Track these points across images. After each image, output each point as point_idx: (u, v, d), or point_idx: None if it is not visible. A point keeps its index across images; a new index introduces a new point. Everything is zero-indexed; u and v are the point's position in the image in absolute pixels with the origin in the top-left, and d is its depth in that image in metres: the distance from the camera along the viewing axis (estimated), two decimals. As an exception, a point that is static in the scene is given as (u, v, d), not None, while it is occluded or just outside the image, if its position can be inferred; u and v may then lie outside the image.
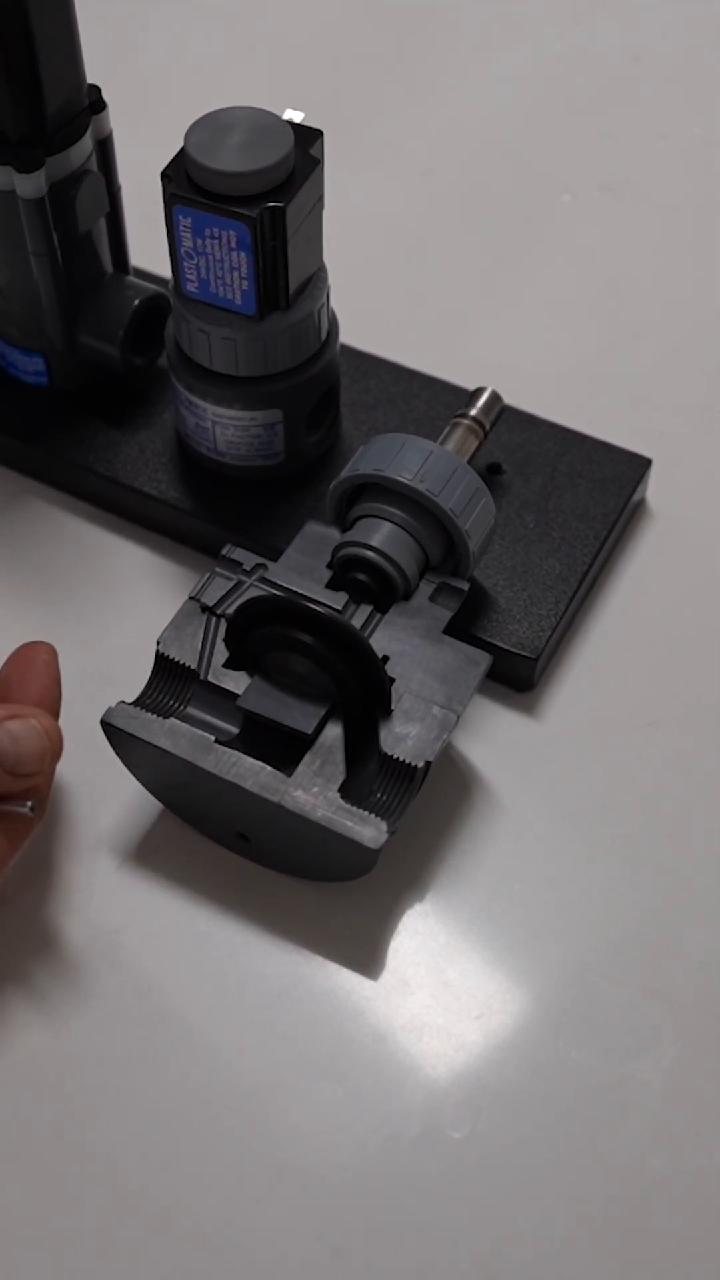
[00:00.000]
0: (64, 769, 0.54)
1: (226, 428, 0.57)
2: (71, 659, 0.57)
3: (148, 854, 0.53)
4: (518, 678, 0.56)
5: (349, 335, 0.61)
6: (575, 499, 0.59)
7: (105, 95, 0.57)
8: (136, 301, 0.59)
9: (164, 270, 0.64)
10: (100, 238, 0.59)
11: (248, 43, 0.80)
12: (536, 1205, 0.47)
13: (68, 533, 0.61)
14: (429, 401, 0.61)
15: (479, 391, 0.58)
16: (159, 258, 0.63)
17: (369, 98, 0.77)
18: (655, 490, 0.61)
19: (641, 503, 0.61)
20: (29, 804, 0.48)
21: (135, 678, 0.53)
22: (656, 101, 0.77)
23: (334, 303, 0.57)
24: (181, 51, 0.80)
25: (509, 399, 0.59)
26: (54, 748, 0.49)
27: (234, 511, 0.59)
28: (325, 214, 0.54)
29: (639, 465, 0.60)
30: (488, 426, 0.57)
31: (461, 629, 0.55)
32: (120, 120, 0.59)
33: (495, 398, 0.58)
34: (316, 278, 0.55)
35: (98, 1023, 0.50)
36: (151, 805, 0.54)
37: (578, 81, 0.78)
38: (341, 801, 0.49)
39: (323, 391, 0.57)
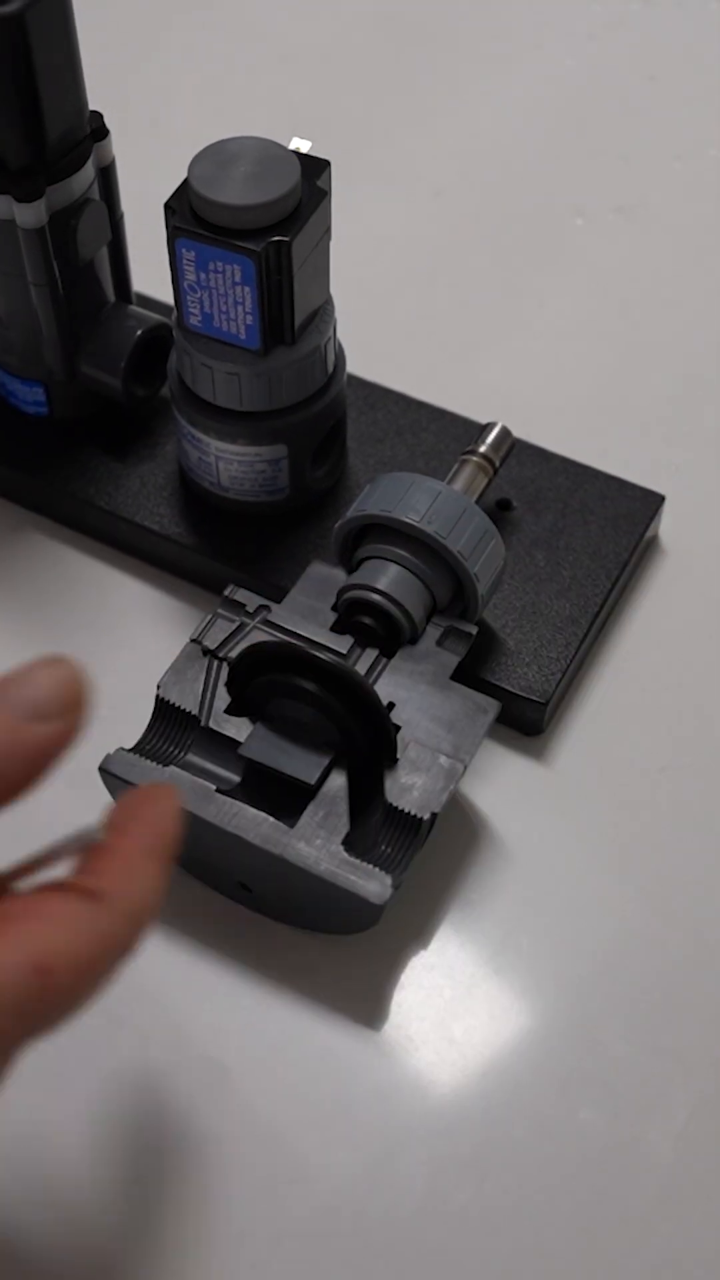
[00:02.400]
0: (60, 815, 0.53)
1: (230, 463, 0.56)
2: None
3: (146, 903, 0.52)
4: (526, 722, 0.55)
5: (355, 364, 0.59)
6: (587, 536, 0.57)
7: (107, 121, 0.55)
8: (139, 332, 0.58)
9: (165, 295, 0.63)
10: (102, 267, 0.58)
11: (253, 64, 0.79)
12: (543, 1270, 0.46)
13: (66, 566, 0.60)
14: (438, 434, 0.60)
15: (489, 427, 0.56)
16: (161, 283, 0.62)
17: (377, 118, 0.76)
18: (668, 527, 0.60)
19: (654, 540, 0.60)
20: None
21: (134, 718, 0.51)
22: (672, 122, 0.76)
23: (339, 329, 0.56)
24: (185, 75, 0.78)
25: (519, 430, 0.58)
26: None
27: (237, 547, 0.57)
28: (331, 236, 0.53)
29: (652, 502, 0.58)
30: (497, 464, 0.56)
31: (469, 672, 0.53)
32: (122, 145, 0.57)
33: (505, 434, 0.56)
34: (323, 311, 0.54)
35: (91, 1076, 0.49)
36: (150, 852, 0.52)
37: (591, 102, 0.77)
38: (345, 854, 0.47)
39: (329, 426, 0.56)
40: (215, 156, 0.51)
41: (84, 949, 0.36)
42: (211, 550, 0.57)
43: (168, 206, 0.51)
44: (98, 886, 0.36)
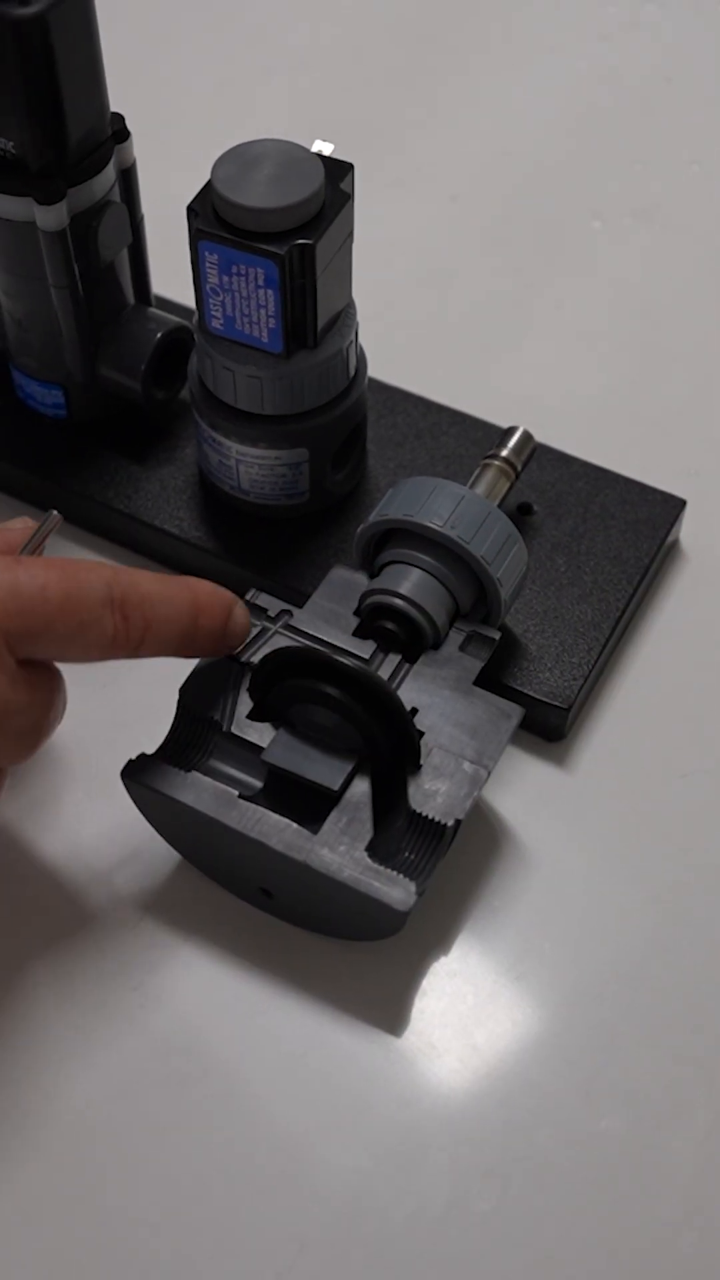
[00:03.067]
0: (83, 820, 0.53)
1: (250, 466, 0.55)
2: (90, 703, 0.56)
3: (167, 908, 0.51)
4: (549, 727, 0.54)
5: (374, 367, 0.59)
6: (608, 541, 0.57)
7: (127, 123, 0.55)
8: (159, 334, 0.58)
9: (185, 297, 0.63)
10: (122, 269, 0.57)
11: (270, 68, 0.78)
12: (567, 1279, 0.46)
13: (86, 570, 0.60)
14: (458, 438, 0.60)
15: (510, 431, 0.56)
16: (179, 285, 0.62)
17: (394, 122, 0.75)
18: (689, 531, 0.60)
19: (675, 544, 0.59)
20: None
21: (156, 724, 0.51)
22: (689, 125, 0.75)
23: (359, 333, 0.56)
24: (200, 78, 0.78)
25: (538, 434, 0.58)
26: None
27: (257, 551, 0.57)
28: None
29: (673, 506, 0.58)
30: (519, 468, 0.55)
31: (491, 677, 0.53)
32: (141, 147, 0.57)
33: (527, 437, 0.56)
34: (345, 314, 0.54)
35: (114, 1082, 0.48)
36: (171, 857, 0.52)
37: (608, 105, 0.76)
38: (369, 861, 0.47)
39: (350, 430, 0.56)
40: (238, 159, 0.50)
41: None
42: (231, 554, 0.57)
43: (190, 209, 0.51)
44: None
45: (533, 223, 0.72)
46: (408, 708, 0.49)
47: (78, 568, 0.46)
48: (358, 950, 0.50)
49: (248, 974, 0.50)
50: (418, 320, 0.67)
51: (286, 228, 0.50)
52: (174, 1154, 0.47)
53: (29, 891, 0.52)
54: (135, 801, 0.50)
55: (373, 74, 0.78)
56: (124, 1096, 0.48)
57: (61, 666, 0.48)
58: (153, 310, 0.59)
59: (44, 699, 0.46)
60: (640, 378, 0.66)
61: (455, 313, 0.68)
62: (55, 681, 0.47)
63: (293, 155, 0.51)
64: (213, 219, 0.50)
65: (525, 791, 0.54)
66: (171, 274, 0.61)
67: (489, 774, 0.49)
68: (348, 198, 0.51)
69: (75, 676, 0.56)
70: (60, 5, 0.50)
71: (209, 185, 0.50)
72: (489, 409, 0.61)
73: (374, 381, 0.60)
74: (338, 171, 0.51)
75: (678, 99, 0.77)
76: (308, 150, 0.51)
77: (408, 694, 0.50)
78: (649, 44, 0.79)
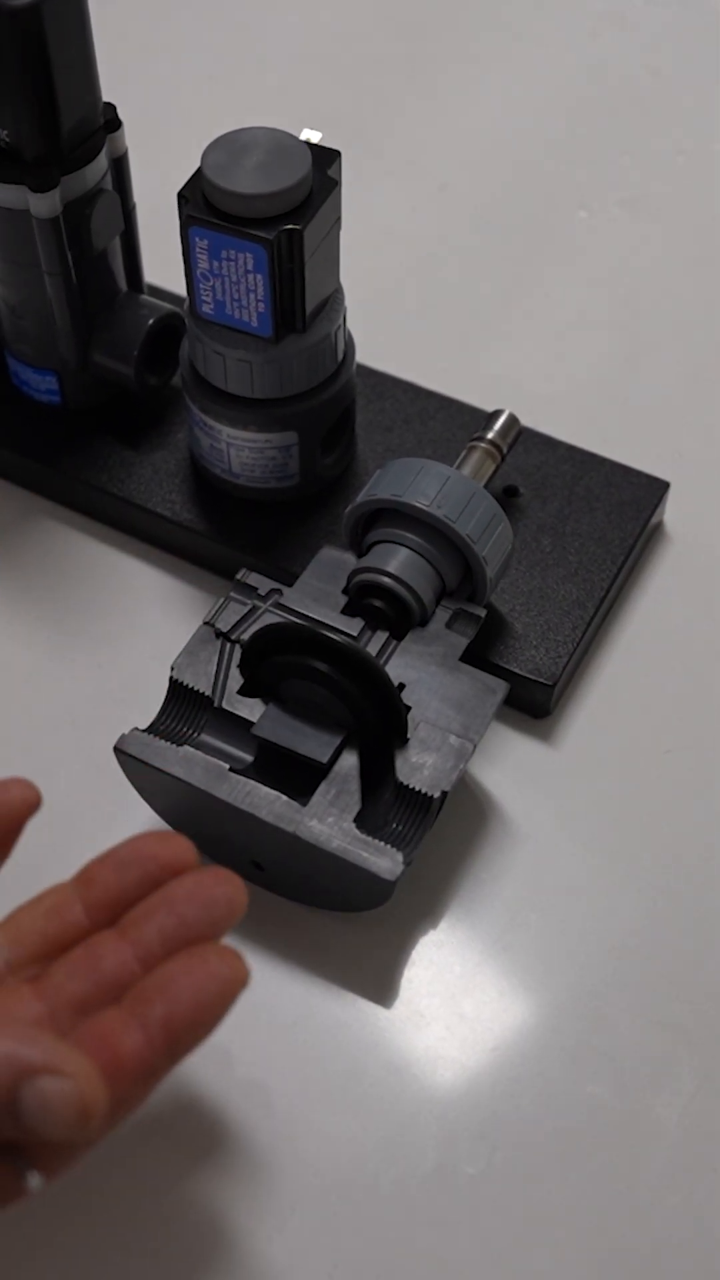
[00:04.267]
0: (75, 794, 0.54)
1: (241, 450, 0.56)
2: (84, 681, 0.57)
3: (160, 881, 0.52)
4: (534, 704, 0.55)
5: (362, 354, 0.60)
6: (593, 522, 0.58)
7: (119, 113, 0.56)
8: (151, 321, 0.59)
9: (176, 286, 0.64)
10: (115, 256, 0.58)
11: (259, 57, 0.79)
12: (552, 1241, 0.47)
13: (80, 553, 0.61)
14: (445, 422, 0.61)
15: (496, 414, 0.57)
16: (168, 273, 0.63)
17: (382, 112, 0.76)
18: (673, 513, 0.61)
19: (659, 526, 0.60)
20: (33, 1176, 0.39)
21: (148, 701, 0.52)
22: (674, 116, 0.76)
23: (347, 319, 0.57)
24: (192, 68, 0.79)
25: (525, 418, 0.59)
26: (99, 1120, 0.38)
27: (248, 533, 0.58)
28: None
29: (657, 488, 0.59)
30: (505, 450, 0.56)
31: (478, 655, 0.54)
32: (132, 137, 0.58)
33: (512, 420, 0.57)
34: (333, 299, 0.55)
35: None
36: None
37: (595, 96, 0.77)
38: (357, 832, 0.48)
39: (339, 413, 0.57)
40: (228, 146, 0.51)
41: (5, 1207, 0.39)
42: (223, 536, 0.58)
43: (181, 195, 0.52)
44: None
45: (520, 212, 0.73)
46: (395, 683, 0.50)
47: None
48: (347, 921, 0.51)
49: (239, 945, 0.51)
50: (406, 307, 0.68)
51: (275, 213, 0.51)
52: (167, 1122, 0.48)
53: (22, 866, 0.52)
54: (128, 775, 0.51)
55: (364, 65, 0.79)
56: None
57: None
58: (145, 297, 0.60)
59: None
60: (625, 363, 0.67)
61: (443, 300, 0.69)
62: None
63: (281, 142, 0.52)
64: (203, 205, 0.51)
65: (512, 767, 0.55)
66: (162, 262, 0.62)
67: (475, 747, 0.50)
68: (335, 184, 0.52)
69: (69, 652, 0.58)
70: (53, -4, 0.51)
71: (199, 172, 0.51)
72: (476, 394, 0.62)
73: (362, 367, 0.61)
74: (325, 158, 0.52)
75: (663, 91, 0.78)
76: (296, 138, 0.52)
77: (395, 670, 0.51)
78: (635, 37, 0.80)
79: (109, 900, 0.42)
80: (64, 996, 0.41)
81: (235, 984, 0.40)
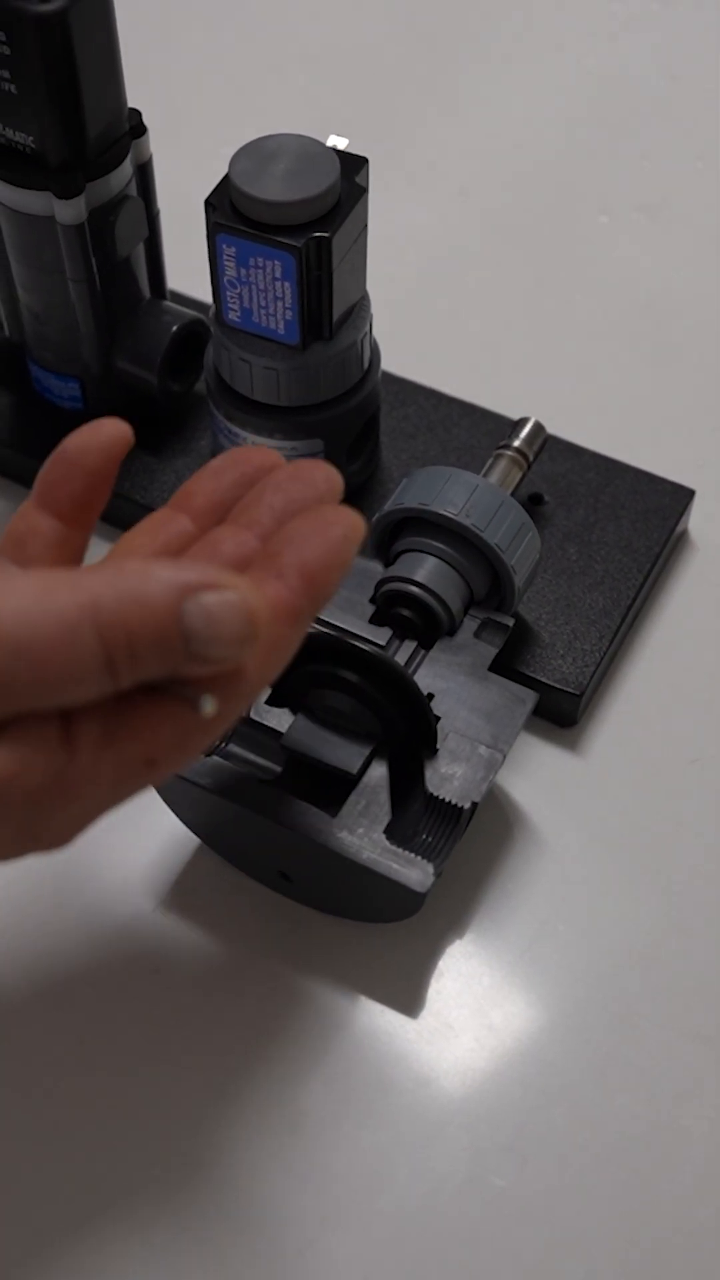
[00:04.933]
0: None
1: (266, 457, 0.56)
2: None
3: (186, 892, 0.52)
4: (561, 713, 0.55)
5: (385, 360, 0.60)
6: (618, 531, 0.58)
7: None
8: (174, 328, 0.59)
9: (197, 292, 0.63)
10: (138, 263, 0.58)
11: (280, 64, 0.79)
12: (582, 1253, 0.46)
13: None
14: (469, 430, 0.61)
15: (522, 422, 0.57)
16: (189, 279, 0.63)
17: (401, 118, 0.76)
18: (698, 521, 0.60)
19: (684, 534, 0.60)
20: (206, 701, 0.37)
21: (173, 711, 0.52)
22: (694, 122, 0.76)
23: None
24: (212, 75, 0.79)
25: (548, 425, 0.58)
26: (263, 631, 0.37)
27: (272, 541, 0.58)
28: (366, 232, 0.54)
29: (682, 496, 0.59)
30: (531, 458, 0.56)
31: (504, 663, 0.54)
32: (154, 143, 0.58)
33: (538, 428, 0.57)
34: (359, 306, 0.55)
35: (136, 1062, 0.49)
36: (189, 842, 0.53)
37: (614, 101, 0.77)
38: (387, 843, 0.48)
39: (364, 421, 0.57)
40: (256, 153, 0.51)
41: (186, 750, 0.38)
42: (247, 544, 0.58)
43: (208, 203, 0.51)
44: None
45: (541, 217, 0.72)
46: (424, 693, 0.50)
47: None
48: (375, 932, 0.51)
49: (267, 956, 0.51)
50: (427, 314, 0.68)
51: (303, 220, 0.50)
52: (195, 1131, 0.48)
53: (49, 876, 0.52)
54: (156, 787, 0.50)
55: (384, 71, 0.79)
56: (144, 1073, 0.49)
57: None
58: (168, 304, 0.60)
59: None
60: (648, 370, 0.66)
61: (464, 306, 0.69)
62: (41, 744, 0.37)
63: (309, 150, 0.51)
64: (230, 212, 0.51)
65: (538, 776, 0.55)
66: (183, 269, 0.62)
67: (504, 757, 0.50)
68: (363, 191, 0.52)
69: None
70: (80, 1, 0.50)
71: (226, 179, 0.51)
72: (499, 401, 0.62)
73: (386, 374, 0.61)
74: (353, 165, 0.52)
75: (683, 96, 0.77)
76: (324, 145, 0.52)
77: (424, 679, 0.51)
78: (655, 42, 0.80)
79: (211, 505, 0.42)
80: None
81: (356, 529, 0.40)
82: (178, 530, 0.42)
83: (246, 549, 0.40)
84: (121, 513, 0.60)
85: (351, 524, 0.39)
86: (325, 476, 0.41)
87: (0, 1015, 0.50)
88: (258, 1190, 0.47)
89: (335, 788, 0.49)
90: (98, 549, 0.60)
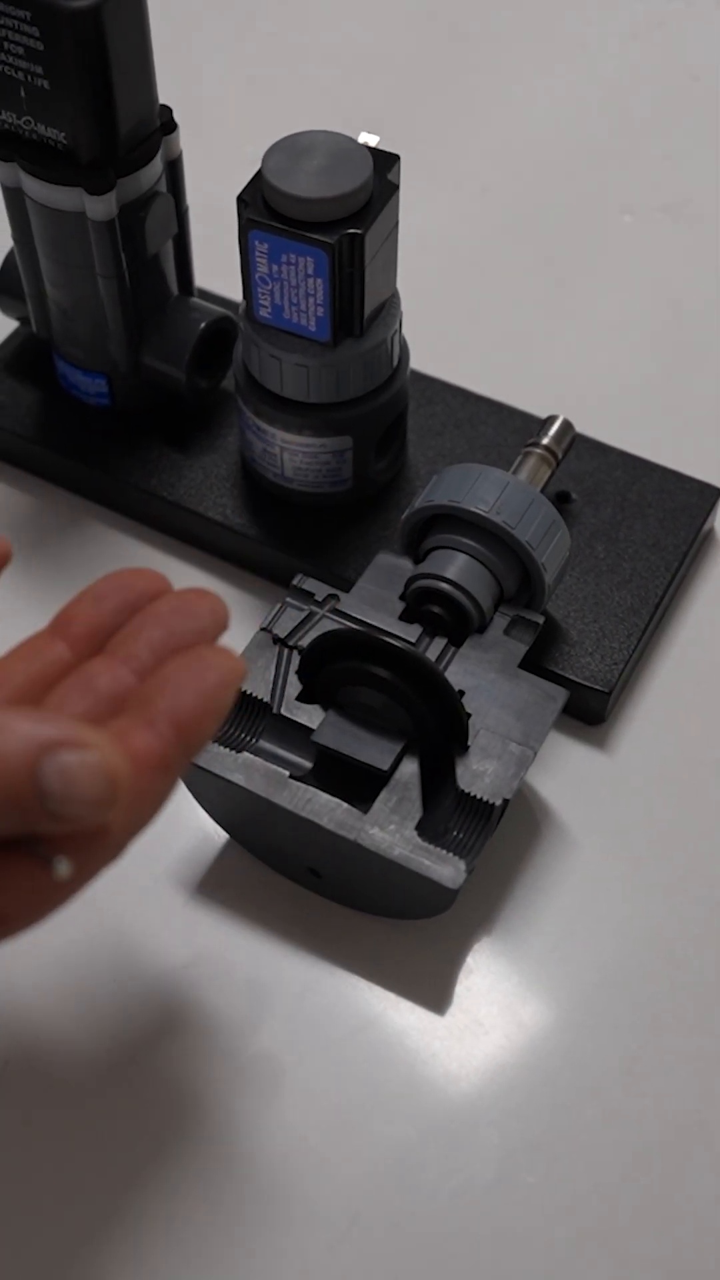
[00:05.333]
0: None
1: (295, 454, 0.56)
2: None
3: (216, 888, 0.52)
4: (589, 711, 0.55)
5: (412, 358, 0.60)
6: (646, 529, 0.58)
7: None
8: (203, 324, 0.59)
9: (223, 289, 0.63)
10: (167, 260, 0.58)
11: (305, 62, 0.79)
12: (612, 1251, 0.46)
13: (129, 558, 0.60)
14: (496, 428, 0.61)
15: (550, 420, 0.57)
16: (219, 276, 0.63)
17: (424, 116, 0.76)
18: (724, 520, 0.61)
19: (710, 532, 0.60)
20: (61, 863, 0.36)
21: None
22: (715, 121, 0.76)
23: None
24: (238, 74, 0.79)
25: (575, 423, 0.58)
26: (123, 794, 0.36)
27: (300, 538, 0.58)
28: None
29: (710, 495, 0.59)
30: (560, 456, 0.56)
31: (532, 661, 0.54)
32: (183, 140, 0.58)
33: (567, 426, 0.57)
34: (390, 304, 0.55)
35: (166, 1057, 0.49)
36: (218, 838, 0.53)
37: (637, 100, 0.77)
38: (419, 840, 0.48)
39: (393, 418, 0.57)
40: (288, 149, 0.51)
41: (39, 910, 0.37)
42: (275, 541, 0.58)
43: (241, 199, 0.51)
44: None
45: (564, 216, 0.72)
46: (455, 690, 0.50)
47: None
48: (404, 929, 0.51)
49: (296, 953, 0.51)
50: (453, 312, 0.68)
51: (336, 217, 0.50)
52: (225, 1127, 0.48)
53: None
54: (186, 782, 0.51)
55: (405, 71, 0.79)
56: (175, 1069, 0.49)
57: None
58: (196, 300, 0.60)
59: None
60: (674, 368, 0.66)
61: (489, 305, 0.69)
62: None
63: (341, 146, 0.51)
64: (263, 208, 0.51)
65: (566, 774, 0.55)
66: (210, 267, 0.62)
67: (535, 754, 0.50)
68: (395, 188, 0.52)
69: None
70: (113, -2, 0.50)
71: (259, 175, 0.51)
72: (525, 400, 0.62)
73: (413, 372, 0.61)
74: (385, 162, 0.52)
75: (705, 96, 0.77)
76: (356, 141, 0.52)
77: (454, 676, 0.51)
78: (677, 42, 0.80)
79: (90, 632, 0.41)
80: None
81: (234, 674, 0.38)
82: (54, 658, 0.41)
83: (121, 685, 0.39)
84: (150, 510, 0.60)
85: (229, 668, 0.38)
86: (210, 609, 0.40)
87: (35, 1012, 0.50)
88: (287, 1186, 0.47)
89: (366, 784, 0.49)
90: (127, 545, 0.60)
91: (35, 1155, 0.48)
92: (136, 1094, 0.49)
